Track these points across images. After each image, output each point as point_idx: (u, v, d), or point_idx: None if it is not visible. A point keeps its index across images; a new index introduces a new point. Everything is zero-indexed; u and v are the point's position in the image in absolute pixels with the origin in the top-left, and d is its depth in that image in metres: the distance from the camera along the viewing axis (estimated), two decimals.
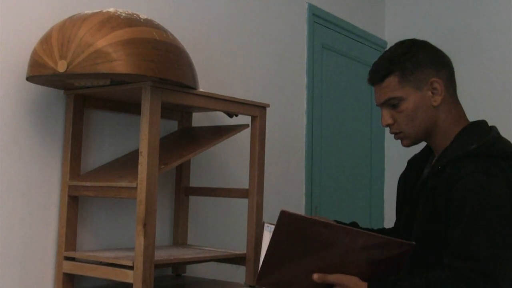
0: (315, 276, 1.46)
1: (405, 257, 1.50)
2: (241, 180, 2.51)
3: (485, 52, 3.69)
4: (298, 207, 3.15)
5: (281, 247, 1.46)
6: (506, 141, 1.56)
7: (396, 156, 3.86)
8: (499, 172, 1.44)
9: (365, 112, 3.80)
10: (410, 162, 1.75)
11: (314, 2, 3.34)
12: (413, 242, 1.49)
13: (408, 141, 1.62)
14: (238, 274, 2.34)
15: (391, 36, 4.00)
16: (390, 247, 1.50)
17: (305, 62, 3.26)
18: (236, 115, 2.29)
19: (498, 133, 1.58)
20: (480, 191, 1.41)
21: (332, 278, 1.46)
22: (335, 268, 1.48)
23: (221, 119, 2.52)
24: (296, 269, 1.50)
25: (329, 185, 3.44)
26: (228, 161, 2.66)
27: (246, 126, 2.21)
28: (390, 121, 1.60)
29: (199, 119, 2.46)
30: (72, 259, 1.94)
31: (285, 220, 1.43)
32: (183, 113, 2.36)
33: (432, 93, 1.56)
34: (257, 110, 2.18)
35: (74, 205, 1.98)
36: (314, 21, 3.35)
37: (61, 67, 1.68)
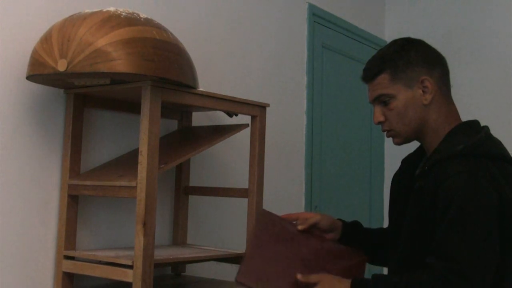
0: (299, 276, 1.52)
1: (361, 270, 1.61)
2: (241, 180, 2.51)
3: (485, 52, 3.69)
4: (298, 207, 3.15)
5: (261, 244, 1.56)
6: (496, 142, 1.55)
7: (396, 156, 3.84)
8: (485, 173, 1.43)
9: (365, 112, 3.80)
10: (404, 162, 1.75)
11: (314, 2, 3.34)
12: (365, 256, 1.54)
13: (399, 139, 1.62)
14: None
15: (391, 36, 4.00)
16: (343, 256, 1.62)
17: (305, 62, 3.26)
18: (236, 115, 2.29)
19: (488, 133, 1.57)
20: (465, 192, 1.41)
21: (316, 277, 1.51)
22: (309, 271, 1.56)
23: (221, 118, 2.52)
24: (275, 268, 1.56)
25: (329, 185, 3.44)
26: (228, 160, 2.66)
27: (246, 125, 2.21)
28: (381, 118, 1.61)
29: (199, 119, 2.46)
30: (72, 258, 1.94)
31: (262, 219, 1.57)
32: (183, 112, 2.36)
33: (423, 91, 1.56)
34: (257, 110, 2.18)
35: (74, 204, 1.98)
36: (314, 21, 3.35)
37: (61, 66, 1.68)
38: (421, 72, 1.56)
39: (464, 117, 1.65)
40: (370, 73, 1.61)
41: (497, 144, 1.55)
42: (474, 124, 1.60)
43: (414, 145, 1.75)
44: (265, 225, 1.58)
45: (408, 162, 1.73)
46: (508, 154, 1.54)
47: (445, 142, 1.55)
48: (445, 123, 1.58)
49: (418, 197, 1.51)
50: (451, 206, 1.41)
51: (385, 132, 1.64)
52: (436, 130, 1.58)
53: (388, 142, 4.01)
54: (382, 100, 1.59)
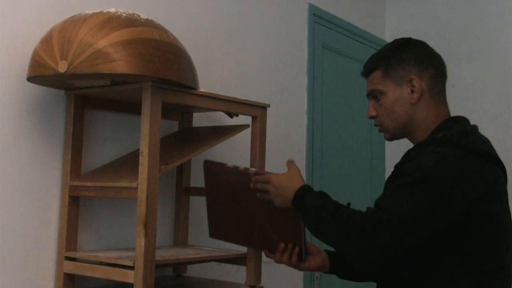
0: (251, 185, 1.65)
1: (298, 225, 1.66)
2: None
3: (484, 52, 3.69)
4: None
5: (215, 196, 1.71)
6: (480, 138, 1.55)
7: (397, 156, 3.86)
8: (459, 159, 1.44)
9: (365, 112, 3.79)
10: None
11: (315, 2, 3.34)
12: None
13: (388, 134, 1.68)
14: (238, 274, 2.35)
15: (391, 36, 4.00)
16: (281, 218, 1.66)
17: (306, 62, 3.26)
18: (237, 115, 2.29)
19: (473, 129, 1.56)
20: (429, 167, 1.43)
21: (266, 177, 1.64)
22: (262, 216, 1.68)
23: (221, 119, 2.52)
24: (234, 218, 1.72)
25: (329, 186, 3.44)
26: (228, 161, 2.65)
27: (246, 126, 2.21)
28: (373, 113, 1.67)
29: (200, 119, 2.46)
30: (73, 259, 1.94)
31: (208, 169, 1.69)
32: (184, 113, 2.36)
33: (411, 90, 1.59)
34: (258, 110, 2.18)
35: (75, 205, 1.98)
36: (315, 21, 3.35)
37: (62, 67, 1.68)
38: (411, 71, 1.60)
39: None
40: (366, 69, 1.68)
41: (481, 140, 1.55)
42: (460, 119, 1.61)
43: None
44: (212, 177, 1.72)
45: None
46: (492, 151, 1.53)
47: (430, 135, 1.58)
48: (433, 122, 1.60)
49: (392, 177, 1.57)
50: (410, 174, 1.43)
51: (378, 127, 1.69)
52: (424, 129, 1.61)
53: (389, 142, 4.01)
54: (374, 96, 1.65)
